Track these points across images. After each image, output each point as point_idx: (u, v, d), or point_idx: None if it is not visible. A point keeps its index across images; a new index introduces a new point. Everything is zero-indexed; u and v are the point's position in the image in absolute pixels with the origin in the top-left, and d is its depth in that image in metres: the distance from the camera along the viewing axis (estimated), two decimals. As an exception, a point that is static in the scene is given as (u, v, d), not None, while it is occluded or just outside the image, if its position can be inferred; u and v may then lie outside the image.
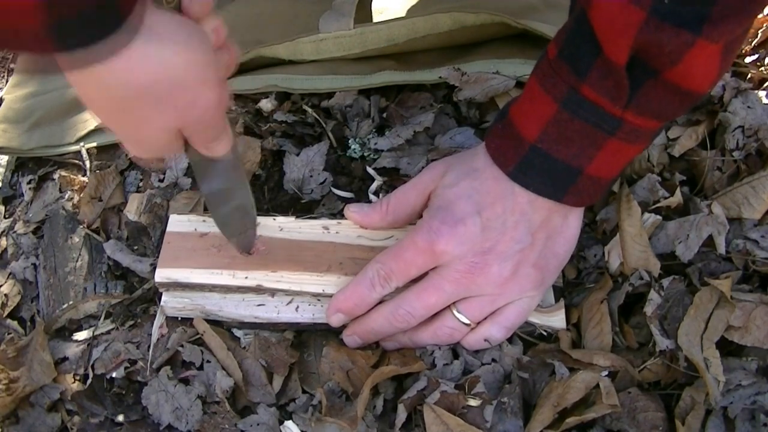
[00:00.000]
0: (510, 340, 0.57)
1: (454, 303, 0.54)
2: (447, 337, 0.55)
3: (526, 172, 0.51)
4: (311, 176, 0.71)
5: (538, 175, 0.51)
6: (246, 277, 0.59)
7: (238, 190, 0.57)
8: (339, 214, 0.64)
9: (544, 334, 0.58)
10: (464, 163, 0.55)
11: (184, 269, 0.60)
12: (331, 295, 0.57)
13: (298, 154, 0.72)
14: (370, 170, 0.71)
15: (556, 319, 0.57)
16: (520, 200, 0.52)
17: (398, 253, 0.54)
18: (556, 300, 0.58)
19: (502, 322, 0.55)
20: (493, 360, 0.56)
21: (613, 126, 0.48)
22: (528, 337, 0.58)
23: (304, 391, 0.59)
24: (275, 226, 0.62)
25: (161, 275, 0.60)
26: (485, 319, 0.55)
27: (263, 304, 0.60)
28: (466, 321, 0.54)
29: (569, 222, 0.54)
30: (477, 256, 0.52)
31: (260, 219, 0.63)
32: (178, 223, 0.63)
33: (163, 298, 0.62)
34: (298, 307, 0.60)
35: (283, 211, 0.68)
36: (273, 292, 0.60)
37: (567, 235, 0.55)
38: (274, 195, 0.72)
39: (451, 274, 0.52)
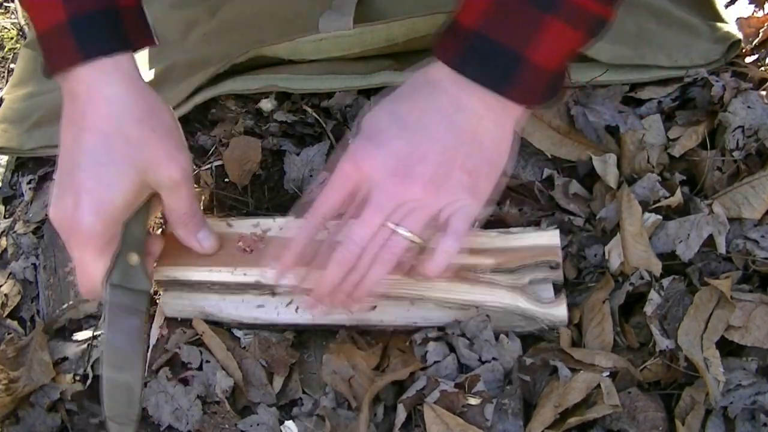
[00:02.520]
0: (508, 336, 0.57)
1: (393, 223, 0.52)
2: (399, 262, 0.53)
3: (469, 60, 0.50)
4: (311, 176, 0.71)
5: (479, 63, 0.50)
6: (245, 274, 0.59)
7: (132, 368, 0.54)
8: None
9: (545, 328, 0.58)
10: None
11: (183, 267, 0.60)
12: None
13: (298, 154, 0.72)
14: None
15: (558, 311, 0.57)
16: (445, 100, 0.51)
17: (329, 187, 0.53)
18: (556, 295, 0.58)
19: (450, 231, 0.53)
20: (493, 358, 0.56)
21: (550, 2, 0.47)
22: (529, 332, 0.58)
23: (304, 392, 0.59)
24: (275, 226, 0.62)
25: (161, 273, 0.60)
26: (436, 250, 0.53)
27: (263, 306, 0.60)
28: (408, 234, 0.52)
29: (502, 131, 0.53)
30: (402, 162, 0.51)
31: (260, 220, 0.63)
32: (178, 222, 0.63)
33: (162, 298, 0.62)
34: (297, 308, 0.60)
35: (283, 211, 0.68)
36: (272, 289, 0.60)
37: (498, 141, 0.53)
38: (274, 195, 0.72)
39: (383, 188, 0.51)
